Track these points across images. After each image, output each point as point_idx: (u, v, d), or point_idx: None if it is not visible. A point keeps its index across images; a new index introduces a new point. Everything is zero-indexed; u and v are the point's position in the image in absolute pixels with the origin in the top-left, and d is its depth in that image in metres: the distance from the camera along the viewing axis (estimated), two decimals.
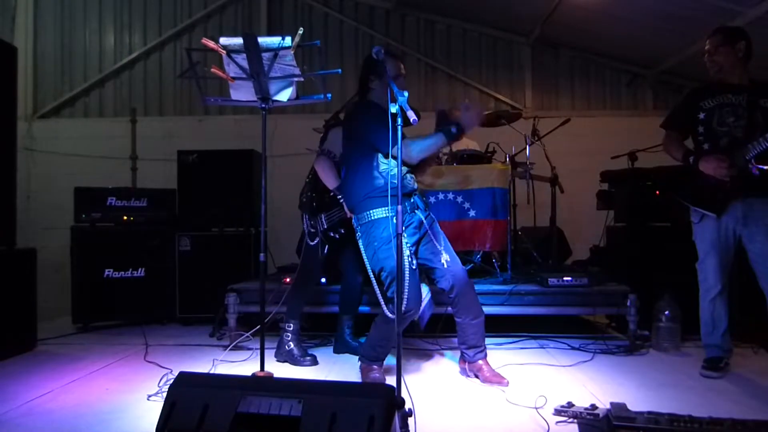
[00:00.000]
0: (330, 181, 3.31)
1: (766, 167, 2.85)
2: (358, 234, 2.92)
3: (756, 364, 3.28)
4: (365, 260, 2.87)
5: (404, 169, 2.90)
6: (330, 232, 3.38)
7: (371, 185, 2.82)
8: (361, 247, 2.89)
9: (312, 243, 3.44)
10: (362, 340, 3.27)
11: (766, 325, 2.97)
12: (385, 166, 2.81)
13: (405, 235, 2.73)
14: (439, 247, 2.91)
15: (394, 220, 2.67)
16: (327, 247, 3.45)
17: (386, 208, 2.75)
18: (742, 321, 3.35)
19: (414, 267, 2.76)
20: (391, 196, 2.63)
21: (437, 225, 3.03)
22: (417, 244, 2.92)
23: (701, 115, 3.06)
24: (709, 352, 3.14)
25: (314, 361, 3.39)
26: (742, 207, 2.95)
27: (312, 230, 3.43)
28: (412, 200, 2.90)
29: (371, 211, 2.82)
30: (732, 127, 2.97)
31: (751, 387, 2.90)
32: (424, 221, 2.92)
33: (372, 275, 2.85)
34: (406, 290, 2.68)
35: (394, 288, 2.77)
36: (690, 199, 3.12)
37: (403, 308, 2.76)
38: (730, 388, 2.89)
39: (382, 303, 2.81)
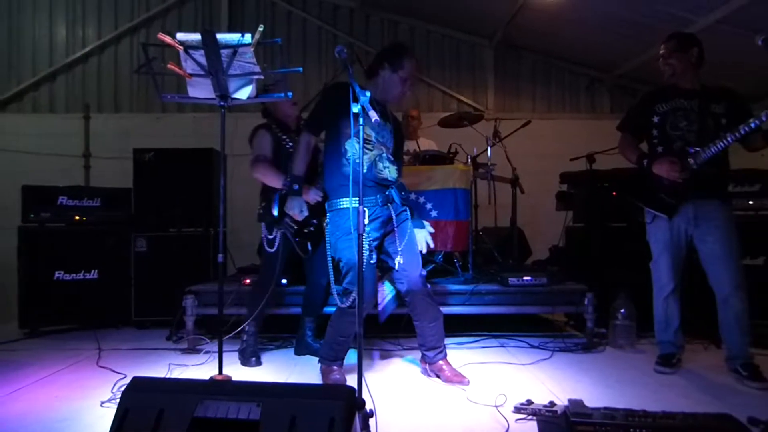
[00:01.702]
0: (275, 180, 3.29)
1: (715, 170, 2.95)
2: (327, 220, 2.90)
3: (706, 360, 3.38)
4: (327, 246, 2.85)
5: (383, 158, 2.89)
6: (304, 229, 3.33)
7: (340, 173, 2.82)
8: (327, 233, 2.88)
9: (271, 250, 3.39)
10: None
11: (716, 323, 3.06)
12: (351, 153, 2.79)
13: (367, 229, 2.72)
14: (398, 247, 2.89)
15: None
16: (309, 244, 3.40)
17: (354, 199, 2.70)
18: (693, 318, 3.45)
19: (372, 262, 2.74)
20: (353, 185, 2.59)
21: (409, 224, 2.97)
22: (382, 239, 2.91)
23: (655, 119, 3.14)
24: (663, 349, 3.23)
25: (258, 363, 3.36)
26: (693, 208, 3.04)
27: (270, 237, 3.38)
28: (387, 193, 2.88)
29: (340, 200, 2.82)
30: (684, 131, 3.05)
31: (702, 381, 2.99)
32: (394, 218, 2.90)
33: (331, 262, 2.83)
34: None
35: (348, 279, 2.78)
36: (643, 200, 3.20)
37: (351, 301, 2.76)
38: (682, 383, 2.97)
39: (335, 293, 2.81)
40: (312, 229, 3.35)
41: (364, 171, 2.76)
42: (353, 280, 2.76)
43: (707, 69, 3.14)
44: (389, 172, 2.91)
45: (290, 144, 3.43)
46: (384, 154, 2.91)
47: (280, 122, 3.53)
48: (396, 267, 2.90)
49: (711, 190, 3.01)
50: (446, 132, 5.08)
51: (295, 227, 3.31)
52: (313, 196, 3.11)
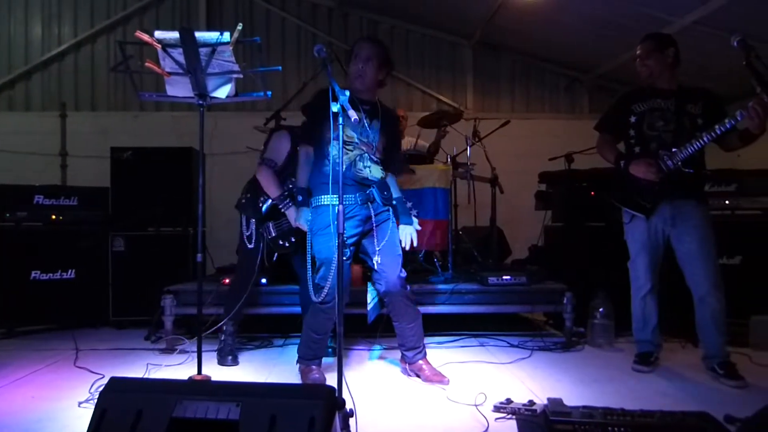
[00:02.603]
0: (272, 190, 3.28)
1: (692, 170, 2.99)
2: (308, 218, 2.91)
3: (683, 358, 3.43)
4: (308, 244, 2.85)
5: (364, 158, 2.88)
6: (279, 240, 3.33)
7: (321, 172, 2.84)
8: (308, 231, 2.88)
9: (250, 246, 3.38)
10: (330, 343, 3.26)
11: (693, 321, 3.11)
12: (333, 153, 2.77)
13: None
14: (376, 247, 2.88)
15: (336, 210, 2.66)
16: (276, 255, 3.42)
17: (333, 196, 2.69)
18: (671, 317, 3.49)
19: (344, 258, 2.74)
20: (333, 184, 2.59)
21: (390, 224, 2.94)
22: (360, 237, 2.91)
23: (632, 119, 3.16)
24: (640, 348, 3.26)
25: (234, 361, 3.35)
26: (670, 209, 3.07)
27: (248, 234, 3.37)
28: (367, 192, 2.87)
29: (319, 197, 2.83)
30: (661, 132, 3.07)
31: (679, 380, 3.03)
32: (373, 217, 2.89)
33: (310, 260, 2.84)
34: (330, 279, 2.69)
35: (321, 273, 2.79)
36: (621, 200, 3.23)
37: (322, 297, 2.76)
38: (660, 381, 3.01)
39: (311, 289, 2.80)
40: (287, 244, 3.35)
41: (343, 170, 2.76)
42: (325, 275, 2.75)
43: (684, 69, 3.18)
44: (370, 171, 2.90)
45: None
46: (366, 154, 2.89)
47: None
48: (375, 267, 2.90)
49: (688, 190, 3.05)
50: (426, 132, 5.10)
51: (274, 234, 3.33)
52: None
